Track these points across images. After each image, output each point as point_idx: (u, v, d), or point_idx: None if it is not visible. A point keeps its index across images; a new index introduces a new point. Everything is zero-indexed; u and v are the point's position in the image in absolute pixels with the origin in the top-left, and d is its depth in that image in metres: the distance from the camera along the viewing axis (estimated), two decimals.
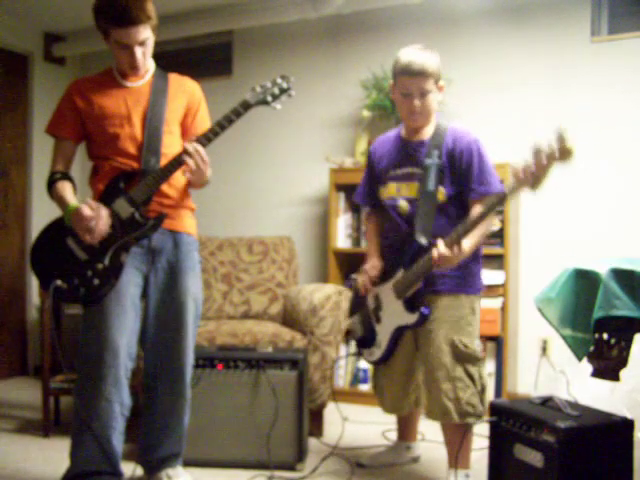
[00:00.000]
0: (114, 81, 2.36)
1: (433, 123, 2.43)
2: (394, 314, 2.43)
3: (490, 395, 3.46)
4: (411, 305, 2.36)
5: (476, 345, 2.37)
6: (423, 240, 2.31)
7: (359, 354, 2.66)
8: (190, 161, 2.22)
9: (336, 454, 2.81)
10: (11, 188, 4.47)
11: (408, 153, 2.44)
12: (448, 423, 2.38)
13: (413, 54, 2.33)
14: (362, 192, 2.66)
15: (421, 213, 2.34)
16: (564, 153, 1.94)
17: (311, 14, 3.88)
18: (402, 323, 2.40)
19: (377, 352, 2.53)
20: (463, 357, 2.33)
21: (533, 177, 1.99)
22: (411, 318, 2.36)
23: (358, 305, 2.64)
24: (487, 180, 2.32)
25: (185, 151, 2.23)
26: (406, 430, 2.77)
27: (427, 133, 2.43)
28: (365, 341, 2.59)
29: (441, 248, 2.17)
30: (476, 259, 2.42)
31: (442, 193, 2.36)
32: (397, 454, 2.76)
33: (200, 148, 2.23)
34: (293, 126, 4.22)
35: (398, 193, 2.44)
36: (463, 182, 2.35)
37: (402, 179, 2.43)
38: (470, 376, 2.33)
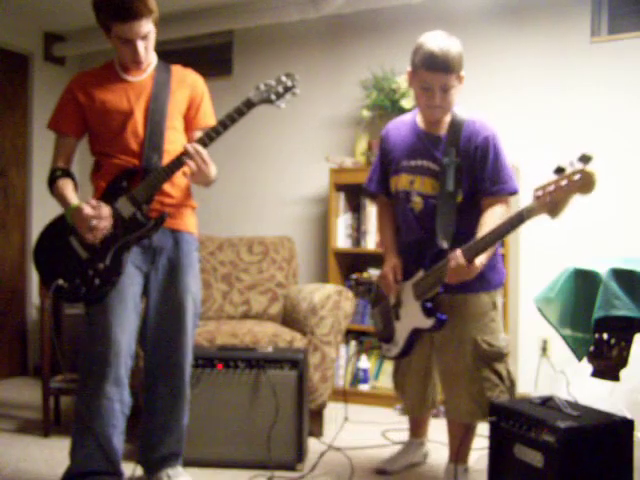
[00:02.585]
0: (116, 75, 2.34)
1: (449, 118, 2.31)
2: (412, 315, 2.36)
3: None
4: (428, 309, 2.29)
5: (501, 340, 2.30)
6: (445, 245, 2.23)
7: (380, 347, 2.61)
8: (190, 162, 2.20)
9: (336, 454, 2.81)
10: (11, 188, 4.47)
11: (425, 146, 2.32)
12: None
13: (437, 44, 2.15)
14: (375, 179, 2.51)
15: (441, 215, 2.24)
16: (584, 178, 1.77)
17: (311, 14, 3.87)
18: (419, 326, 2.34)
19: (394, 349, 2.48)
20: (488, 356, 2.27)
21: (552, 199, 1.84)
22: (427, 322, 2.29)
23: (380, 298, 2.57)
24: (501, 179, 2.23)
25: (185, 152, 2.21)
26: (420, 427, 2.72)
27: (444, 127, 2.30)
28: (384, 336, 2.54)
29: (459, 259, 2.08)
30: (493, 257, 2.31)
31: (459, 194, 2.27)
32: (413, 453, 2.71)
33: (200, 149, 2.21)
34: (293, 126, 4.22)
35: (411, 186, 2.33)
36: (477, 179, 2.25)
37: (416, 172, 2.32)
38: (498, 374, 2.28)
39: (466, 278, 2.13)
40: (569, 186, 1.79)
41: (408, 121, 2.43)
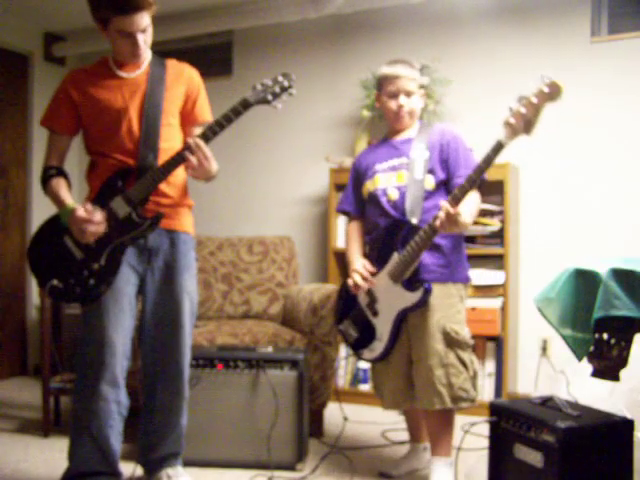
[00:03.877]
0: (110, 72, 2.31)
1: (417, 125, 2.57)
2: (394, 300, 2.40)
3: (490, 395, 3.46)
4: (411, 285, 2.36)
5: (466, 332, 2.43)
6: (414, 220, 2.37)
7: (358, 356, 2.61)
8: (192, 157, 2.19)
9: (337, 454, 2.81)
10: (11, 188, 4.47)
11: (394, 147, 2.55)
12: (434, 410, 2.38)
13: (396, 61, 2.52)
14: (350, 199, 2.66)
15: (410, 198, 2.42)
16: (552, 87, 1.98)
17: (311, 14, 3.88)
18: (405, 305, 2.38)
19: (379, 345, 2.47)
20: (455, 343, 2.39)
21: (525, 121, 2.03)
22: (414, 297, 2.35)
23: (345, 309, 2.60)
24: (472, 167, 2.34)
25: (187, 146, 2.20)
26: (418, 430, 2.71)
27: (413, 132, 2.55)
28: (363, 340, 2.54)
29: (446, 205, 2.17)
30: (459, 250, 2.49)
31: (430, 181, 2.43)
32: (417, 458, 2.70)
33: (202, 144, 2.19)
34: (293, 126, 4.22)
35: (387, 182, 2.49)
36: (451, 169, 2.45)
37: (390, 170, 2.51)
38: (462, 362, 2.39)
39: (456, 225, 2.19)
40: (540, 100, 2.01)
41: (378, 141, 2.69)
